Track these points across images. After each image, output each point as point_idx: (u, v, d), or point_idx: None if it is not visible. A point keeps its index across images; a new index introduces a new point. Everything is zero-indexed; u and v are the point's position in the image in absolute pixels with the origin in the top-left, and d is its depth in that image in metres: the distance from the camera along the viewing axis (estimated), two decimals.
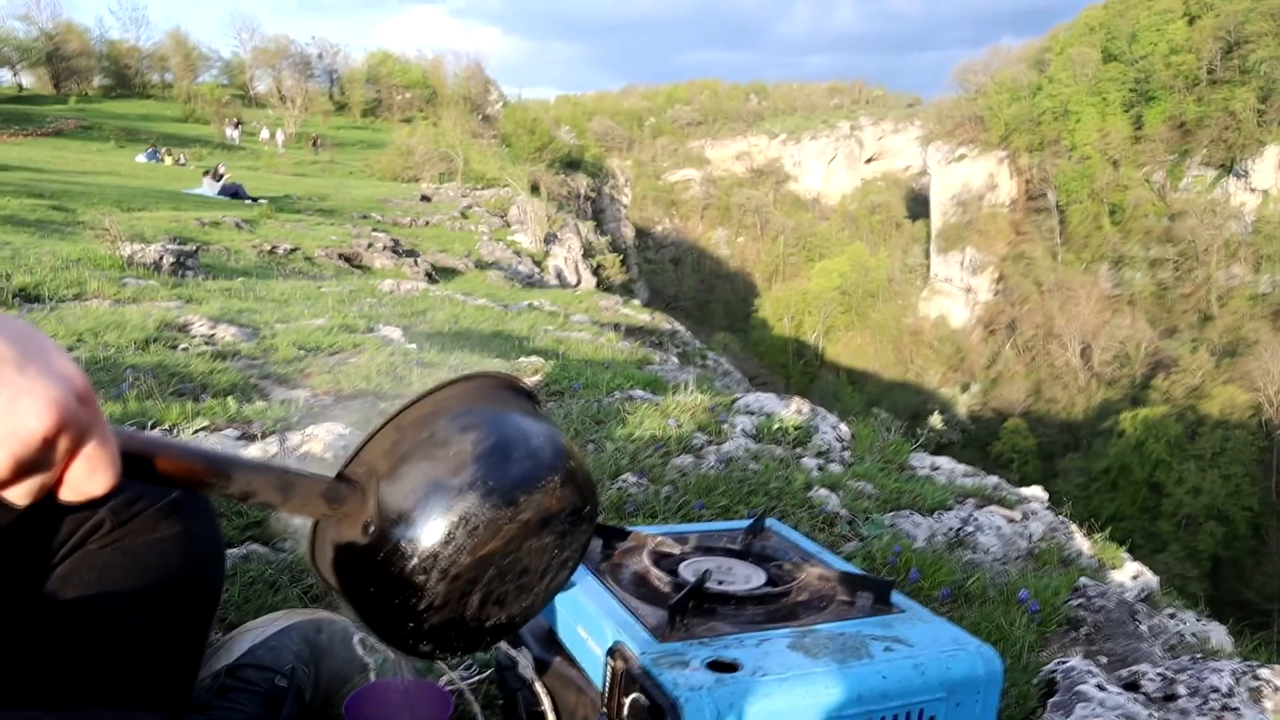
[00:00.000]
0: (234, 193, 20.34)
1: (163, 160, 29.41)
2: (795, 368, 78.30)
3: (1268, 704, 1.70)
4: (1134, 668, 1.81)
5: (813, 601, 1.30)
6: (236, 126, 39.30)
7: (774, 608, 1.26)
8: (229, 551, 2.20)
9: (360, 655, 1.50)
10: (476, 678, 1.57)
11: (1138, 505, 50.94)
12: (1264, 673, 1.78)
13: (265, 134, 43.00)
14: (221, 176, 21.30)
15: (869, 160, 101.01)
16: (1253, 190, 65.43)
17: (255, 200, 20.00)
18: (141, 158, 28.98)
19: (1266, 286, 62.87)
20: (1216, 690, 1.69)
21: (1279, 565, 44.91)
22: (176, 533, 1.23)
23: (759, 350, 79.67)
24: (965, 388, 70.66)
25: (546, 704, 1.28)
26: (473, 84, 56.64)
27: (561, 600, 1.33)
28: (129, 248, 9.88)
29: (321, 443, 3.14)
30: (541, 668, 1.33)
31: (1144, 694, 1.72)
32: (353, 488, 0.89)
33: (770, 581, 1.32)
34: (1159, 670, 1.78)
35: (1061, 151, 74.23)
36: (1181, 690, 1.70)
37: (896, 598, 1.32)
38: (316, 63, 62.33)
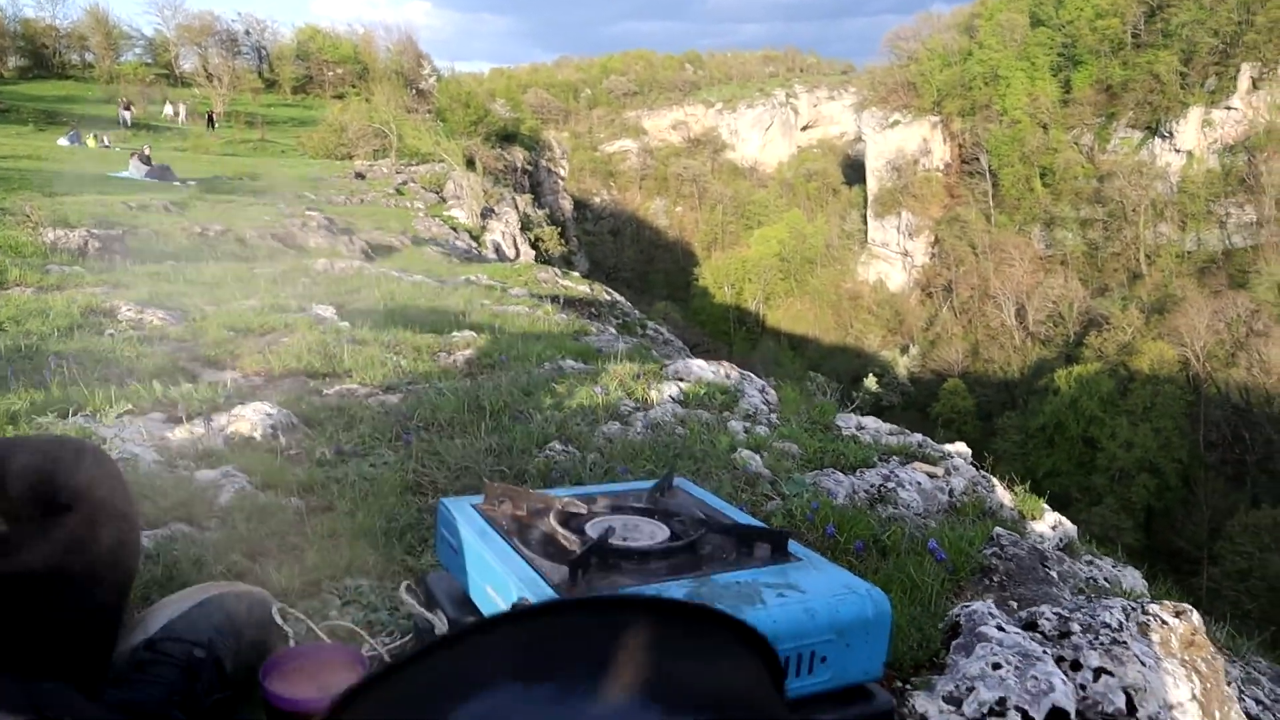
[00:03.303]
0: (161, 174, 19.90)
1: (85, 143, 28.61)
2: (737, 335, 78.78)
3: (1155, 637, 1.80)
4: (1033, 609, 1.89)
5: (714, 554, 1.35)
6: (128, 108, 37.84)
7: (676, 561, 1.31)
8: (155, 532, 2.21)
9: (280, 625, 1.53)
10: (396, 643, 1.61)
11: (1073, 460, 52.21)
12: (1152, 608, 1.88)
13: (169, 110, 41.83)
14: (148, 158, 20.82)
15: (805, 128, 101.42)
16: (1177, 151, 66.91)
17: (184, 182, 19.60)
18: (63, 141, 28.14)
19: (1192, 244, 64.48)
20: (1108, 626, 1.78)
21: (1207, 514, 46.32)
22: (90, 510, 1.25)
23: (700, 319, 79.99)
24: (904, 350, 71.65)
25: None
26: (405, 58, 55.63)
27: (471, 562, 1.37)
28: (52, 234, 9.67)
29: (249, 423, 3.13)
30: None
31: (1041, 633, 1.81)
32: None
33: (673, 536, 1.37)
34: (1056, 610, 1.87)
35: (993, 116, 75.17)
36: (1075, 627, 1.79)
37: (795, 547, 1.38)
38: (244, 39, 60.84)
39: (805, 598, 1.22)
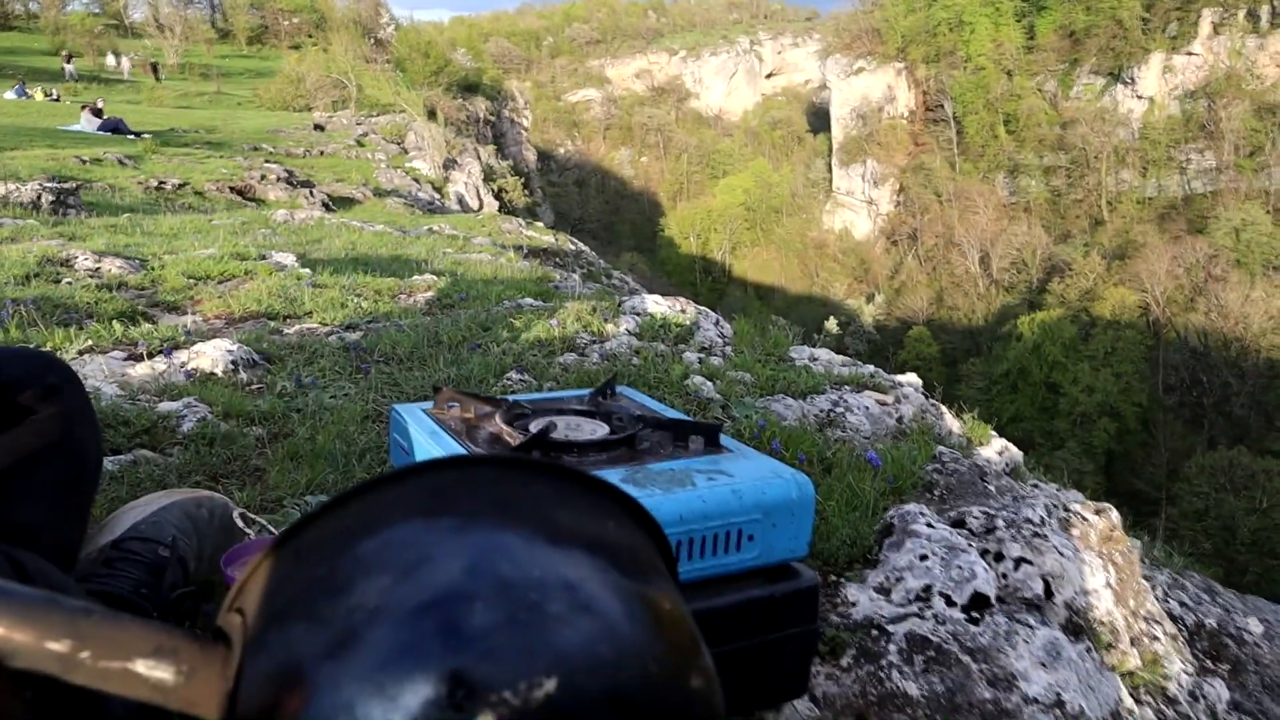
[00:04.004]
0: (115, 128, 19.56)
1: (32, 96, 27.99)
2: (703, 285, 78.91)
3: (1074, 531, 1.91)
4: (962, 509, 2.00)
5: (650, 447, 1.44)
6: (69, 60, 36.84)
7: (614, 454, 1.39)
8: (119, 458, 2.26)
9: (241, 528, 1.61)
10: None
11: (1036, 405, 53.00)
12: (1074, 506, 1.99)
13: (111, 60, 40.94)
14: (100, 111, 20.45)
15: (769, 75, 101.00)
16: (1139, 97, 67.34)
17: (138, 135, 19.27)
18: (9, 94, 27.51)
19: (1153, 190, 65.14)
20: (1030, 521, 1.89)
21: (1166, 456, 47.27)
22: (54, 413, 1.31)
23: (667, 269, 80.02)
24: (870, 298, 72.10)
25: None
26: (362, 7, 54.72)
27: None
28: (3, 187, 9.54)
29: (210, 359, 3.18)
30: None
31: (968, 529, 1.91)
32: (211, 650, 0.59)
33: (612, 432, 1.44)
34: (983, 509, 1.98)
35: (957, 62, 75.15)
36: (1000, 523, 1.90)
37: (727, 441, 1.47)
38: None
39: (733, 481, 1.31)
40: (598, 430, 1.45)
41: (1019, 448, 4.37)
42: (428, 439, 1.44)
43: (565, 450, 1.37)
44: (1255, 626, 3.00)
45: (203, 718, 0.58)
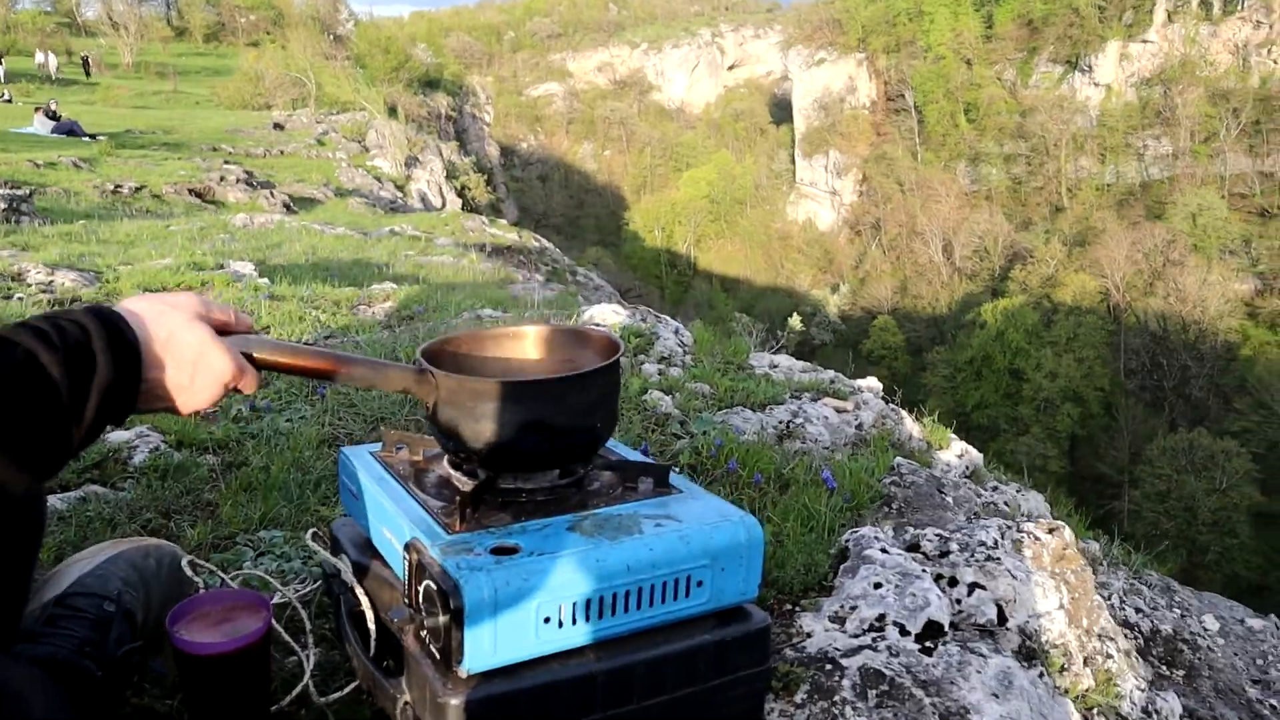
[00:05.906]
0: (69, 130, 19.27)
1: None
2: (669, 278, 78.95)
3: (1027, 553, 1.93)
4: (917, 532, 2.01)
5: (600, 490, 1.43)
6: None
7: (564, 498, 1.39)
8: (67, 495, 2.23)
9: (190, 576, 1.58)
10: (308, 589, 1.67)
11: (1001, 392, 53.48)
12: (1028, 526, 2.00)
13: (40, 58, 40.05)
14: (54, 113, 20.12)
15: (731, 67, 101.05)
16: (1096, 85, 68.09)
17: (93, 137, 18.99)
18: None
19: (1111, 177, 65.93)
20: (984, 544, 1.90)
21: (1128, 439, 47.90)
22: None
23: (632, 263, 79.92)
24: (835, 289, 72.46)
25: (365, 603, 1.38)
26: (321, 2, 54.17)
27: (370, 507, 1.43)
28: None
29: None
30: (361, 571, 1.44)
31: (923, 553, 1.92)
32: (427, 375, 1.34)
33: (562, 474, 1.44)
34: (937, 532, 1.99)
35: (917, 52, 75.66)
36: (954, 547, 1.91)
37: (677, 480, 1.46)
38: None
39: (681, 526, 1.30)
40: (547, 473, 1.44)
41: (984, 434, 4.45)
42: (375, 485, 1.43)
43: (515, 497, 1.37)
44: (1211, 624, 3.05)
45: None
